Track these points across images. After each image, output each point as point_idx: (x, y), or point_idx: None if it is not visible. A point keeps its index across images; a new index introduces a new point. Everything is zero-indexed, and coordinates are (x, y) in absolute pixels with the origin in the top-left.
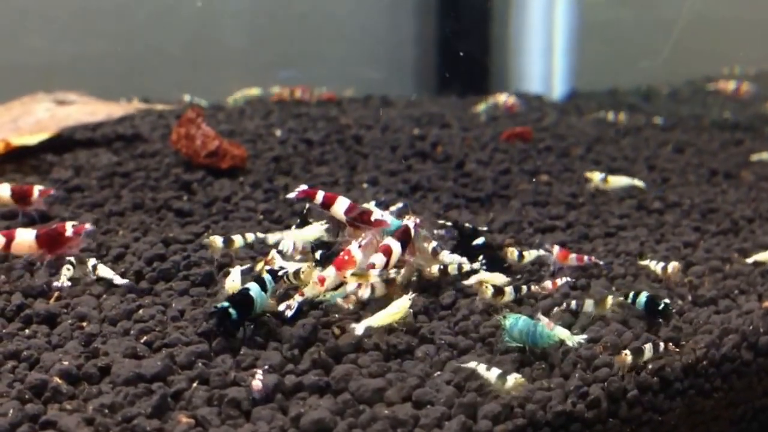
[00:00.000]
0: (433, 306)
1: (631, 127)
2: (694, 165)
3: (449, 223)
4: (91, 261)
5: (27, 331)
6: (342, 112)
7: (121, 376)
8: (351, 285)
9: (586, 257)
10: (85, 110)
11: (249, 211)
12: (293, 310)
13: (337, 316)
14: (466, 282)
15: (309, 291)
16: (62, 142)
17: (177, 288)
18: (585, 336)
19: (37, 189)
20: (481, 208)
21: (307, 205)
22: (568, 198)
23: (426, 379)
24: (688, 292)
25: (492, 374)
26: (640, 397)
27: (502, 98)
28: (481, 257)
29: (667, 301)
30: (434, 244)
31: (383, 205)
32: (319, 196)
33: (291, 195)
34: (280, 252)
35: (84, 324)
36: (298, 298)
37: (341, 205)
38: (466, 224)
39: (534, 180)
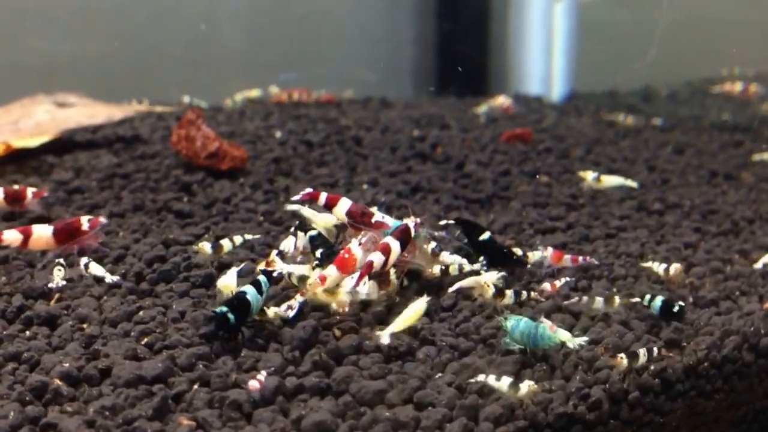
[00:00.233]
0: (434, 307)
1: (631, 128)
2: (694, 166)
3: (452, 221)
4: (84, 259)
5: (27, 332)
6: (341, 113)
7: (122, 378)
8: (344, 295)
9: (580, 258)
10: (86, 113)
11: (249, 212)
12: (294, 311)
13: (337, 317)
14: (461, 283)
15: (310, 292)
16: (62, 144)
17: (177, 289)
18: (586, 338)
19: (30, 191)
20: (482, 209)
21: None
22: (568, 199)
23: (427, 380)
24: (689, 293)
25: (503, 384)
26: (642, 399)
27: (500, 100)
28: (488, 252)
29: (681, 303)
30: (434, 245)
31: (384, 206)
32: (322, 197)
33: (295, 198)
34: (280, 253)
35: (84, 326)
36: (299, 298)
37: (343, 206)
38: (469, 219)
39: (536, 176)
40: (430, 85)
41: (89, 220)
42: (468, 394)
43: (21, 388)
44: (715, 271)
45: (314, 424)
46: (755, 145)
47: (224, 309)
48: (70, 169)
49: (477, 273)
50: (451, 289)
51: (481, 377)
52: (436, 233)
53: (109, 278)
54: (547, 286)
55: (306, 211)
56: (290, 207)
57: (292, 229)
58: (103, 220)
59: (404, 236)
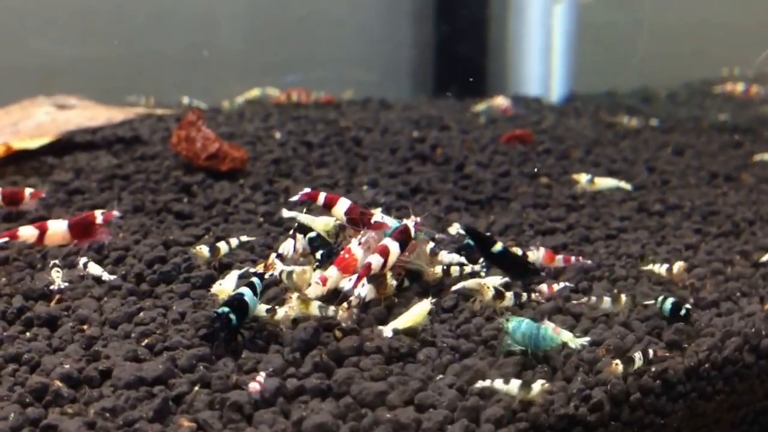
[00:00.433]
0: (435, 308)
1: (630, 129)
2: (694, 167)
3: (462, 231)
4: (82, 259)
5: (28, 334)
6: (341, 114)
7: (122, 380)
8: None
9: (573, 258)
10: (86, 115)
11: (249, 213)
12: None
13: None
14: (462, 284)
15: (311, 291)
16: (62, 145)
17: (178, 290)
18: (588, 339)
19: (28, 191)
20: (481, 210)
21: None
22: (568, 200)
23: (428, 382)
24: (689, 294)
25: (512, 386)
26: (643, 400)
27: (498, 101)
28: (503, 264)
29: (688, 306)
30: (432, 245)
31: (384, 206)
32: (321, 197)
33: (293, 199)
34: (279, 256)
35: (85, 327)
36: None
37: (342, 206)
38: (476, 229)
39: (537, 175)
40: (428, 86)
41: (103, 214)
42: (469, 396)
43: (21, 389)
44: (715, 272)
45: (315, 426)
46: (755, 146)
47: (226, 309)
48: (70, 171)
49: (477, 274)
50: (453, 288)
51: (487, 382)
52: (435, 234)
53: (107, 277)
54: (544, 287)
55: (303, 217)
56: (286, 214)
57: (291, 232)
58: (116, 213)
59: (404, 237)
